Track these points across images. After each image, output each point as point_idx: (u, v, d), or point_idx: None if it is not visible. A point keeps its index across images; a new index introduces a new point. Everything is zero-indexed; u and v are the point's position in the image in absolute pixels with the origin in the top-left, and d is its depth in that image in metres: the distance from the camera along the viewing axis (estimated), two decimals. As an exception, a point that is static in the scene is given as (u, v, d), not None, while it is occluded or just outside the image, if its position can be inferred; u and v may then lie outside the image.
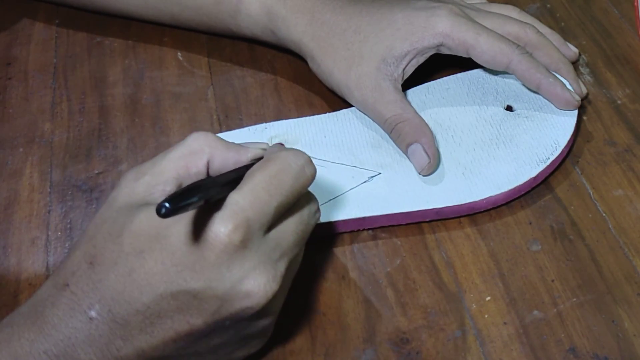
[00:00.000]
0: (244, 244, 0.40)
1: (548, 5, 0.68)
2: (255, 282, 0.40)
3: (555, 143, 0.54)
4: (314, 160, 0.49)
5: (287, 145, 0.54)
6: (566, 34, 0.64)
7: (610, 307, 0.47)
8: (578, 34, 0.65)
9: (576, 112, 0.56)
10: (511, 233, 0.51)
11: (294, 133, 0.56)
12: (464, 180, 0.52)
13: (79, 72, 0.64)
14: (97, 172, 0.57)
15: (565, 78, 0.57)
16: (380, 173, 0.53)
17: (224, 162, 0.43)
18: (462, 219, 0.52)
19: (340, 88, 0.57)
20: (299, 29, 0.58)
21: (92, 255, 0.41)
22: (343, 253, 0.51)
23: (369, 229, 0.52)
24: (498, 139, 0.55)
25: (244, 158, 0.44)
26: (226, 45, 0.65)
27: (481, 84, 0.58)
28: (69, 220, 0.54)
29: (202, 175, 0.43)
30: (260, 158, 0.44)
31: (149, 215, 0.40)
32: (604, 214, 0.52)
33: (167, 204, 0.36)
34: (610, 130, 0.57)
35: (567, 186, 0.53)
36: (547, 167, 0.53)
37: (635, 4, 0.62)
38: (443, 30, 0.55)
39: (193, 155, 0.43)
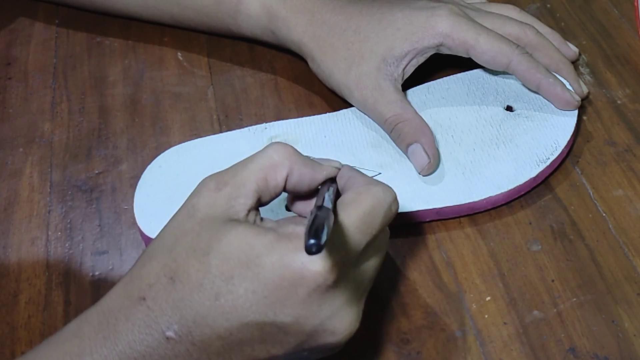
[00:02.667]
0: (336, 284, 0.39)
1: (548, 5, 0.68)
2: (342, 321, 0.40)
3: (555, 143, 0.54)
4: None
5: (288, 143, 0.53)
6: (566, 34, 0.65)
7: (610, 307, 0.47)
8: (578, 34, 0.65)
9: (576, 112, 0.56)
10: (511, 233, 0.51)
11: (294, 133, 0.56)
12: (464, 180, 0.52)
13: (79, 72, 0.64)
14: (97, 172, 0.57)
15: (565, 78, 0.57)
16: (380, 173, 0.53)
17: (301, 177, 0.43)
18: (462, 219, 0.52)
19: (341, 88, 0.57)
20: (299, 29, 0.58)
21: (173, 270, 0.39)
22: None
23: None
24: (498, 139, 0.55)
25: (320, 176, 0.43)
26: (226, 45, 0.65)
27: (481, 84, 0.58)
28: (69, 220, 0.54)
29: (280, 189, 0.42)
30: (333, 178, 0.44)
31: (239, 237, 0.39)
32: (604, 214, 0.52)
33: (314, 242, 0.35)
34: (610, 130, 0.57)
35: (567, 186, 0.54)
36: (547, 167, 0.53)
37: (635, 4, 0.62)
38: (443, 30, 0.55)
39: (274, 168, 0.42)
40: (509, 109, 0.57)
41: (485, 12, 0.58)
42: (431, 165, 0.52)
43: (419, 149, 0.53)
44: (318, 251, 0.35)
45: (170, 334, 0.39)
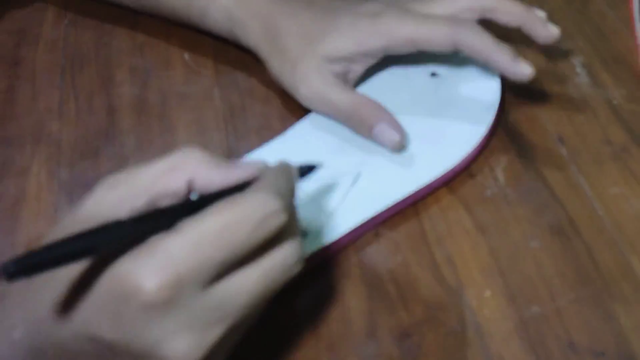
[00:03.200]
0: (168, 304, 0.34)
1: (545, 8, 0.68)
2: (174, 349, 0.35)
3: (490, 86, 0.57)
4: None
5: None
6: (563, 36, 0.65)
7: (607, 303, 0.47)
8: (575, 36, 0.65)
9: (498, 98, 0.58)
10: (510, 230, 0.52)
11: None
12: (434, 147, 0.54)
13: (86, 72, 0.65)
14: (104, 170, 0.57)
15: (532, 28, 0.56)
16: (360, 172, 0.54)
17: (208, 181, 0.38)
18: (462, 215, 0.53)
19: (289, 89, 0.58)
20: (255, 34, 0.59)
21: None
22: (345, 249, 0.51)
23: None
24: (439, 107, 0.57)
25: (231, 179, 0.38)
26: (232, 46, 0.65)
27: (404, 58, 0.59)
28: (76, 218, 0.54)
29: (182, 193, 0.38)
30: (250, 182, 0.39)
31: None
32: (600, 212, 0.52)
33: (11, 266, 0.30)
34: (607, 129, 0.58)
35: (565, 185, 0.54)
36: (498, 111, 0.56)
37: (631, 6, 0.63)
38: (385, 32, 0.55)
39: (173, 172, 0.38)
40: (434, 74, 0.59)
41: None
42: (402, 138, 0.53)
43: (385, 129, 0.53)
44: (10, 278, 0.30)
45: (15, 336, 0.37)
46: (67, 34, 0.68)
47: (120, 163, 0.57)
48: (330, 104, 0.55)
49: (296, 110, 0.59)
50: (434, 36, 0.54)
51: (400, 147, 0.53)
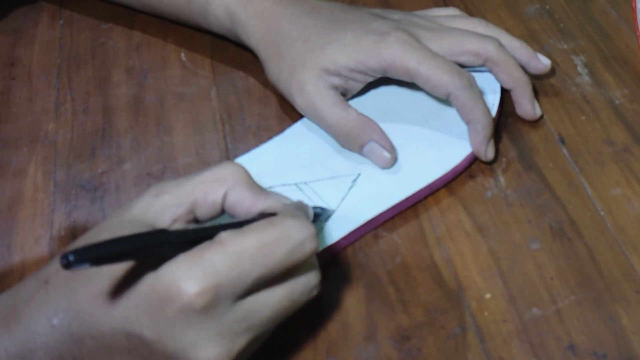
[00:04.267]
0: (205, 310, 0.37)
1: (547, 7, 0.68)
2: (206, 354, 0.38)
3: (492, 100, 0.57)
4: (289, 187, 0.48)
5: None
6: (565, 35, 0.65)
7: (608, 304, 0.47)
8: (577, 35, 0.65)
9: (499, 88, 0.57)
10: (510, 231, 0.51)
11: (254, 168, 0.49)
12: (433, 148, 0.54)
13: (82, 72, 0.65)
14: (101, 171, 0.57)
15: (520, 98, 0.57)
16: (359, 174, 0.53)
17: (240, 199, 0.42)
18: (462, 217, 0.52)
19: (285, 95, 0.58)
20: (256, 36, 0.59)
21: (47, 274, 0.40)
22: (344, 251, 0.51)
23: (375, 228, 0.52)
24: (446, 104, 0.56)
25: (260, 204, 0.42)
26: (229, 45, 0.65)
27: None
28: (72, 220, 0.54)
29: (218, 205, 0.41)
30: (274, 213, 0.42)
31: None
32: (602, 213, 0.52)
33: (70, 256, 0.33)
34: (609, 129, 0.58)
35: (566, 185, 0.54)
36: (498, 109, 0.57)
37: (633, 5, 0.63)
38: (387, 57, 0.54)
39: (215, 183, 0.41)
40: None
41: (446, 29, 0.57)
42: (392, 157, 0.53)
43: (375, 147, 0.53)
44: (69, 265, 0.33)
45: (55, 322, 0.39)
46: (63, 34, 0.68)
47: (117, 164, 0.57)
48: (321, 117, 0.55)
49: (294, 111, 0.59)
50: (433, 79, 0.54)
51: (390, 164, 0.54)
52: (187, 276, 0.37)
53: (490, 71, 0.57)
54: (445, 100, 0.56)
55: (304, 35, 0.57)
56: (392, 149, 0.54)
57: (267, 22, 0.59)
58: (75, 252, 0.33)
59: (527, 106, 0.57)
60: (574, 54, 0.63)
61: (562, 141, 0.57)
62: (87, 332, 0.38)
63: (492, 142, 0.55)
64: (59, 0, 0.71)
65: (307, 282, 0.41)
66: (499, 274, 0.49)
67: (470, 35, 0.56)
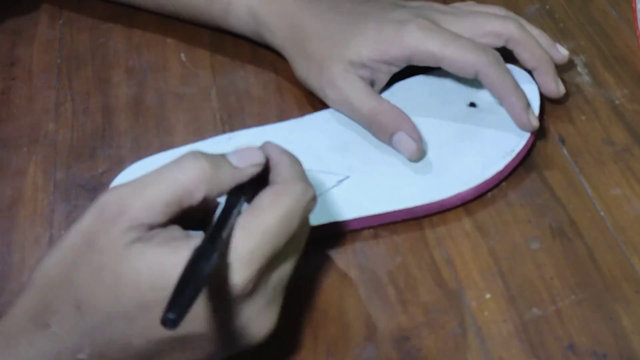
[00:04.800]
0: (253, 292, 0.40)
1: (547, 7, 0.68)
2: (261, 324, 0.41)
3: (519, 135, 0.55)
4: None
5: None
6: (565, 35, 0.65)
7: (608, 304, 0.47)
8: (577, 35, 0.65)
9: (538, 103, 0.56)
10: (510, 231, 0.51)
11: (260, 142, 0.53)
12: (432, 178, 0.53)
13: (82, 72, 0.65)
14: (100, 171, 0.57)
15: (543, 75, 0.57)
16: (348, 177, 0.53)
17: (221, 191, 0.41)
18: (462, 217, 0.52)
19: (316, 91, 0.58)
20: (281, 34, 0.60)
21: (78, 300, 0.38)
22: (344, 251, 0.51)
23: (356, 230, 0.52)
24: (463, 135, 0.55)
25: (242, 177, 0.42)
26: (229, 46, 0.66)
27: (444, 82, 0.58)
28: (72, 220, 0.54)
29: (198, 207, 0.40)
30: (263, 170, 0.43)
31: (147, 262, 0.37)
32: (602, 213, 0.52)
33: (171, 316, 0.34)
34: (609, 130, 0.57)
35: (566, 185, 0.54)
36: (513, 159, 0.54)
37: (633, 5, 0.63)
38: (410, 44, 0.55)
39: (188, 194, 0.40)
40: (473, 105, 0.57)
41: (467, 12, 0.58)
42: (419, 148, 0.53)
43: (404, 136, 0.53)
44: (175, 326, 0.33)
45: (82, 356, 0.38)
46: (63, 34, 0.68)
47: (117, 164, 0.57)
48: (354, 108, 0.56)
49: (293, 111, 0.59)
50: (459, 59, 0.54)
51: (417, 155, 0.53)
52: (233, 269, 0.38)
53: (512, 51, 0.57)
54: (474, 128, 0.55)
55: (328, 31, 0.57)
56: (419, 140, 0.53)
57: (291, 20, 0.59)
58: (175, 312, 0.34)
59: (551, 84, 0.57)
60: (574, 54, 0.63)
61: (562, 141, 0.57)
62: (129, 352, 0.38)
63: (531, 110, 0.55)
64: (59, 0, 0.71)
65: (304, 235, 0.44)
66: (499, 274, 0.49)
67: (491, 17, 0.57)
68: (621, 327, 0.46)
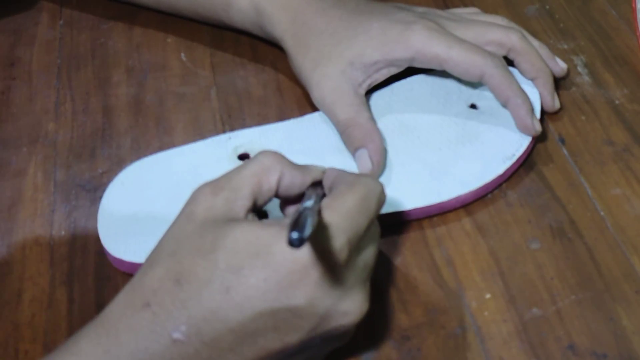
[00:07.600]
0: (346, 264, 0.40)
1: (547, 7, 0.68)
2: (354, 301, 0.41)
3: (519, 139, 0.55)
4: None
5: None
6: (565, 35, 0.65)
7: (608, 304, 0.47)
8: (577, 35, 0.65)
9: (539, 107, 0.56)
10: (511, 231, 0.51)
11: (259, 142, 0.56)
12: (432, 180, 0.53)
13: (82, 72, 0.65)
14: (101, 171, 0.57)
15: (541, 87, 0.57)
16: None
17: (292, 180, 0.44)
18: (462, 217, 0.52)
19: (306, 86, 0.58)
20: (282, 26, 0.59)
21: (178, 272, 0.39)
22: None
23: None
24: (464, 137, 0.55)
25: (308, 179, 0.45)
26: (229, 46, 0.66)
27: (445, 83, 0.58)
28: (72, 220, 0.54)
29: (273, 192, 0.44)
30: (319, 181, 0.45)
31: (244, 231, 0.40)
32: (602, 213, 0.52)
33: (297, 235, 0.35)
34: (609, 130, 0.58)
35: (566, 185, 0.54)
36: (514, 163, 0.54)
37: (633, 5, 0.63)
38: (415, 44, 0.55)
39: (266, 172, 0.43)
40: (473, 107, 0.57)
41: (470, 21, 0.58)
42: (373, 172, 0.53)
43: (364, 155, 0.53)
44: (301, 244, 0.35)
45: (177, 335, 0.39)
46: (63, 34, 0.68)
47: (117, 164, 0.57)
48: (332, 113, 0.56)
49: (293, 111, 0.59)
50: (465, 61, 0.54)
51: (372, 175, 0.53)
52: (326, 238, 0.40)
53: (512, 61, 0.57)
54: (473, 131, 0.55)
55: (331, 28, 0.57)
56: (378, 164, 0.53)
57: (294, 13, 0.59)
58: (299, 233, 0.36)
59: (547, 97, 0.57)
60: (574, 54, 0.63)
61: (562, 141, 0.57)
62: (224, 329, 0.39)
63: (535, 115, 0.55)
64: (59, 0, 0.71)
65: (378, 230, 0.45)
66: (499, 274, 0.49)
67: (494, 26, 0.57)
68: (621, 327, 0.46)
